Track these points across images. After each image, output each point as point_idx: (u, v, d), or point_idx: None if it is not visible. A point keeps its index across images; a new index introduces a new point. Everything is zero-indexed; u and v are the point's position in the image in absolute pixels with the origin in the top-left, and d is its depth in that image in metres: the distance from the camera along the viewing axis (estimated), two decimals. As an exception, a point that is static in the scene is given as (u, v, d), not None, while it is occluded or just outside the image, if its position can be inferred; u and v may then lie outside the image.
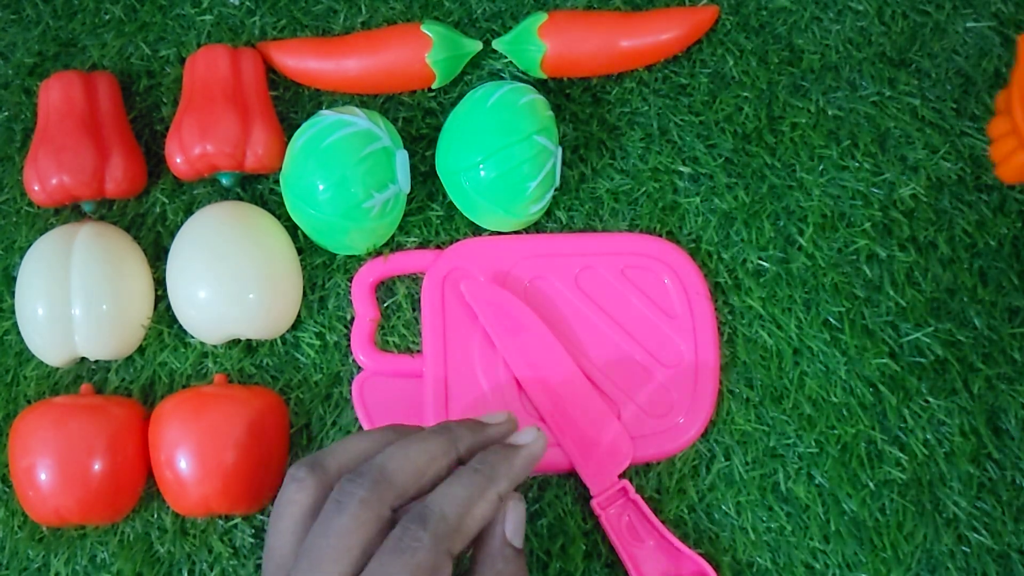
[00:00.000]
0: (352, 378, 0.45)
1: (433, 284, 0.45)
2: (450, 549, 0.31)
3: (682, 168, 0.48)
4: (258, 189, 0.48)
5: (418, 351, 0.45)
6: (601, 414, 0.42)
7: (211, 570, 0.43)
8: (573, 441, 0.42)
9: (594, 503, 0.41)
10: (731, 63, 0.49)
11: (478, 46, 0.48)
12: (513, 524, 0.33)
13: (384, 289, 0.46)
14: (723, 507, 0.43)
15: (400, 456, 0.33)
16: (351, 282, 0.45)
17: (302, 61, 0.48)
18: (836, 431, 0.44)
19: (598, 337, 0.44)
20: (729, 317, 0.45)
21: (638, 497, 0.41)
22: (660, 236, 0.47)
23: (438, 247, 0.46)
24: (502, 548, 0.33)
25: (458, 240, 0.46)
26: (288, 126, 0.47)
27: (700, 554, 0.41)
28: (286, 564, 0.32)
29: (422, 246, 0.46)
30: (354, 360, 0.45)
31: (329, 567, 0.30)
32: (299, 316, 0.46)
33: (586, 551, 0.42)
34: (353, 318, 0.45)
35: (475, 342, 0.44)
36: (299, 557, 0.31)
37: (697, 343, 0.44)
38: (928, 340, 0.45)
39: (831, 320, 0.45)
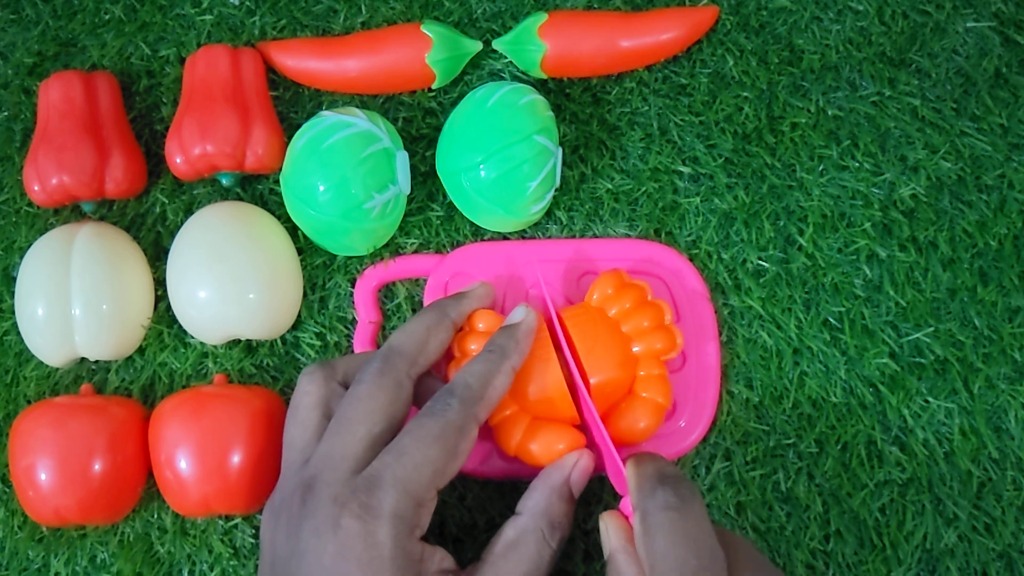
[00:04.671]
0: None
1: (436, 288, 0.45)
2: (476, 414, 0.35)
3: (682, 168, 0.48)
4: (258, 189, 0.48)
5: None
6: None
7: (211, 570, 0.43)
8: (603, 440, 0.39)
9: (622, 505, 0.39)
10: (731, 63, 0.49)
11: (478, 46, 0.48)
12: (579, 473, 0.37)
13: (384, 290, 0.46)
14: (723, 507, 0.43)
15: (401, 333, 0.38)
16: (354, 287, 0.45)
17: (302, 61, 0.48)
18: (836, 431, 0.44)
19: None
20: (729, 317, 0.45)
21: None
22: (660, 236, 0.47)
23: (439, 248, 0.46)
24: (562, 486, 0.37)
25: (459, 242, 0.46)
26: (288, 126, 0.47)
27: None
28: (307, 449, 0.35)
29: (422, 247, 0.46)
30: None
31: (356, 427, 0.34)
32: (299, 316, 0.46)
33: (585, 551, 0.42)
34: (354, 319, 0.45)
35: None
36: (329, 427, 0.35)
37: (698, 347, 0.44)
38: (928, 340, 0.45)
39: (831, 320, 0.45)
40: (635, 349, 0.41)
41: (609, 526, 0.36)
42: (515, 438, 0.39)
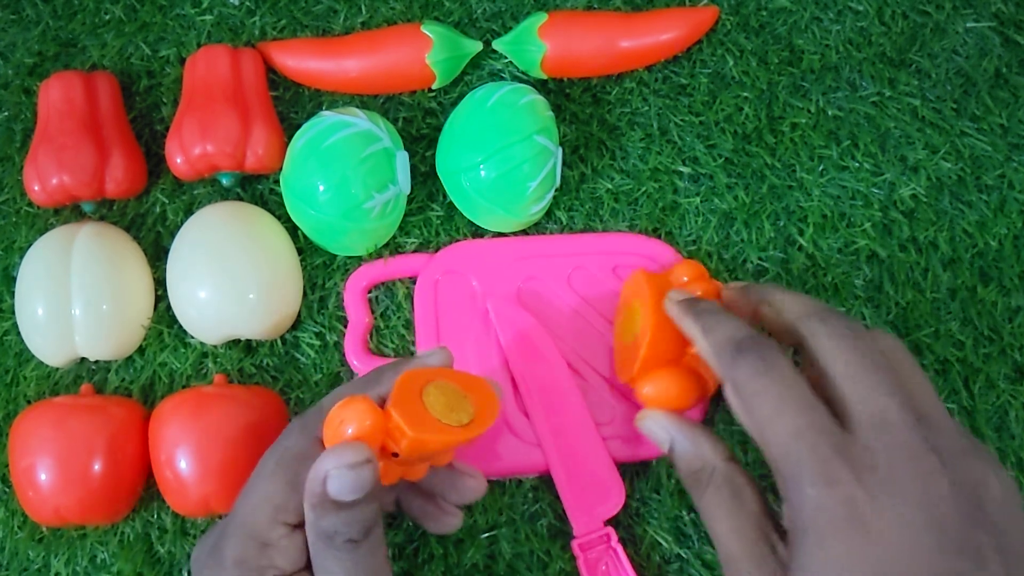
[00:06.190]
0: (351, 378, 0.44)
1: (425, 287, 0.44)
2: (320, 435, 0.33)
3: (682, 168, 0.48)
4: (258, 189, 0.48)
5: (414, 354, 0.45)
6: (600, 456, 0.42)
7: (211, 570, 0.43)
8: (566, 475, 0.41)
9: (575, 544, 0.40)
10: (731, 63, 0.49)
11: (478, 46, 0.48)
12: (342, 478, 0.30)
13: (384, 290, 0.46)
14: (723, 507, 0.43)
15: (332, 394, 0.36)
16: (343, 287, 0.45)
17: (302, 61, 0.48)
18: (836, 431, 0.44)
19: (592, 337, 0.44)
20: (729, 317, 0.45)
21: (619, 547, 0.40)
22: (659, 236, 0.47)
23: (437, 249, 0.46)
24: (320, 498, 0.30)
25: (456, 241, 0.46)
26: (288, 126, 0.47)
27: None
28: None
29: (422, 247, 0.46)
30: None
31: (269, 480, 0.33)
32: (299, 316, 0.46)
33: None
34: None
35: (469, 346, 0.44)
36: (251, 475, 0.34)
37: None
38: (928, 340, 0.45)
39: (831, 320, 0.45)
40: None
41: (656, 421, 0.35)
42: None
